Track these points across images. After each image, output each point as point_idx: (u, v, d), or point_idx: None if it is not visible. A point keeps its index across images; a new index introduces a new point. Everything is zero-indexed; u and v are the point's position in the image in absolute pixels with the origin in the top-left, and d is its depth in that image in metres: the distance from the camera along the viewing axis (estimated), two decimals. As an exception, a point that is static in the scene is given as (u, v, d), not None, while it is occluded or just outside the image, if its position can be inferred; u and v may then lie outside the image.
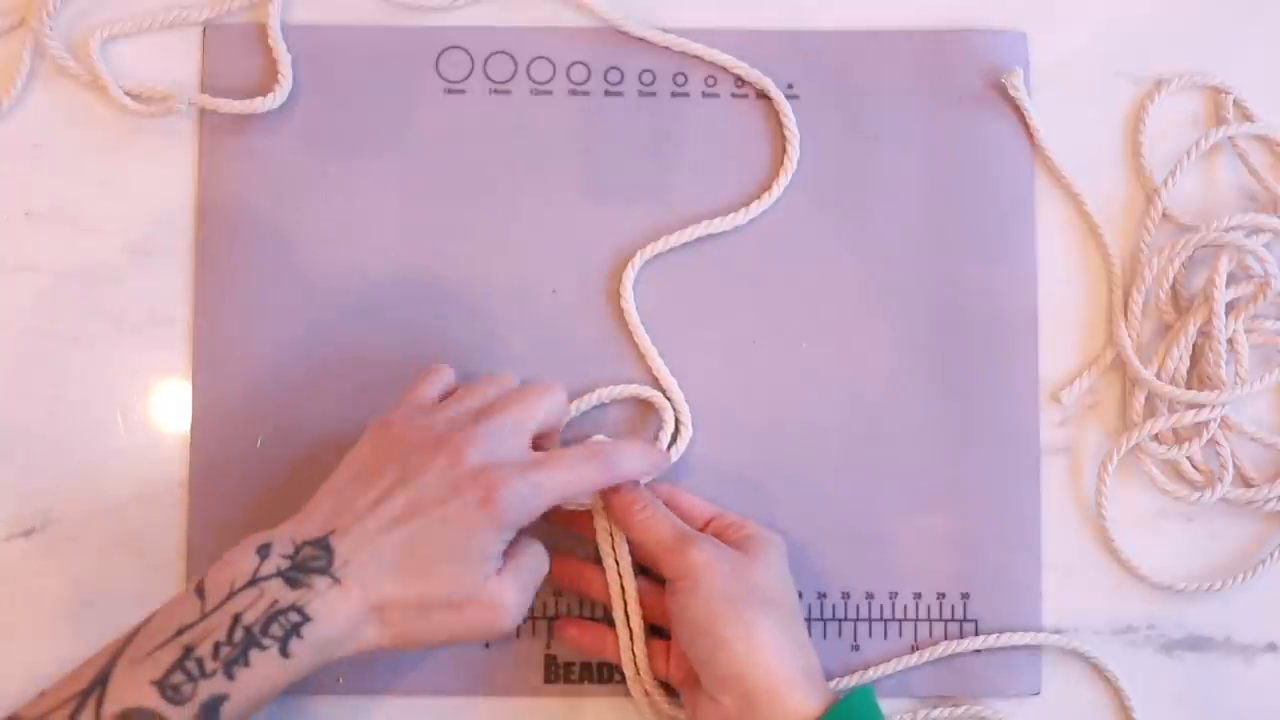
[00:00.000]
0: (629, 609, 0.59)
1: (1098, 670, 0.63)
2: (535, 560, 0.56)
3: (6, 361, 0.62)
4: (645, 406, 0.62)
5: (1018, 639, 0.61)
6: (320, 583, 0.51)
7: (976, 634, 0.62)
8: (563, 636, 0.61)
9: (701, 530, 0.59)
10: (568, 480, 0.54)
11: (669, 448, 0.62)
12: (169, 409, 0.62)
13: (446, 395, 0.58)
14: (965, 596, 0.62)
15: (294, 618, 0.50)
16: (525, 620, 0.61)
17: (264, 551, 0.51)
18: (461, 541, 0.52)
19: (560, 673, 0.61)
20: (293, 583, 0.51)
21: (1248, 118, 0.65)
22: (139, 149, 0.63)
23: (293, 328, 0.62)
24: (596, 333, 0.63)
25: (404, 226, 0.63)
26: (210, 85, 0.64)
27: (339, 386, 0.62)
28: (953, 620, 0.62)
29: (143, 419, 0.62)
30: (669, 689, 0.60)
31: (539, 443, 0.57)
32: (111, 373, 0.62)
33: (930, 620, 0.62)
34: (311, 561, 0.51)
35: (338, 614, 0.51)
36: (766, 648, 0.54)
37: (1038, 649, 0.62)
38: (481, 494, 0.52)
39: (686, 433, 0.62)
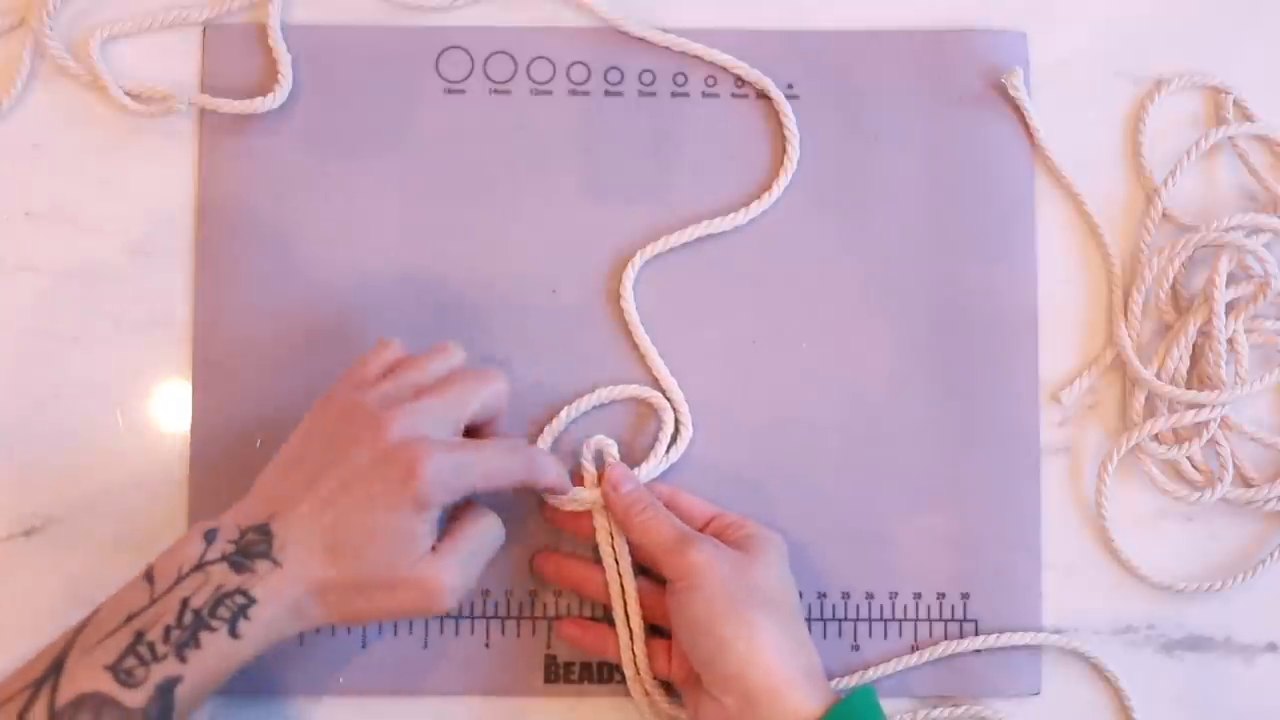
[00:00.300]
0: (629, 609, 0.59)
1: (1098, 670, 0.63)
2: (483, 534, 0.56)
3: (6, 361, 0.62)
4: (645, 406, 0.62)
5: (1017, 639, 0.61)
6: (262, 566, 0.52)
7: (977, 634, 0.62)
8: (563, 636, 0.61)
9: (702, 530, 0.59)
10: (492, 467, 0.54)
11: (669, 448, 0.62)
12: (169, 409, 0.62)
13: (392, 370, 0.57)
14: (965, 596, 0.62)
15: (239, 600, 0.51)
16: (525, 620, 0.61)
17: (210, 536, 0.52)
18: (386, 522, 0.52)
19: (560, 673, 0.61)
20: (237, 567, 0.51)
21: (1248, 118, 0.65)
22: (139, 149, 0.63)
23: (293, 328, 0.62)
24: (596, 333, 0.63)
25: (404, 226, 0.63)
26: (210, 85, 0.64)
27: (339, 386, 0.62)
28: (953, 620, 0.62)
29: (143, 419, 0.62)
30: (669, 688, 0.60)
31: (478, 430, 0.57)
32: (111, 373, 0.62)
33: (930, 620, 0.62)
34: (254, 547, 0.52)
35: (281, 596, 0.52)
36: (767, 648, 0.54)
37: (1038, 649, 0.62)
38: (403, 472, 0.52)
39: (686, 433, 0.62)
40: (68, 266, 0.63)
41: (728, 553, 0.57)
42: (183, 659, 0.50)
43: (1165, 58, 0.65)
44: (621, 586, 0.59)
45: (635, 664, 0.59)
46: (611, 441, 0.61)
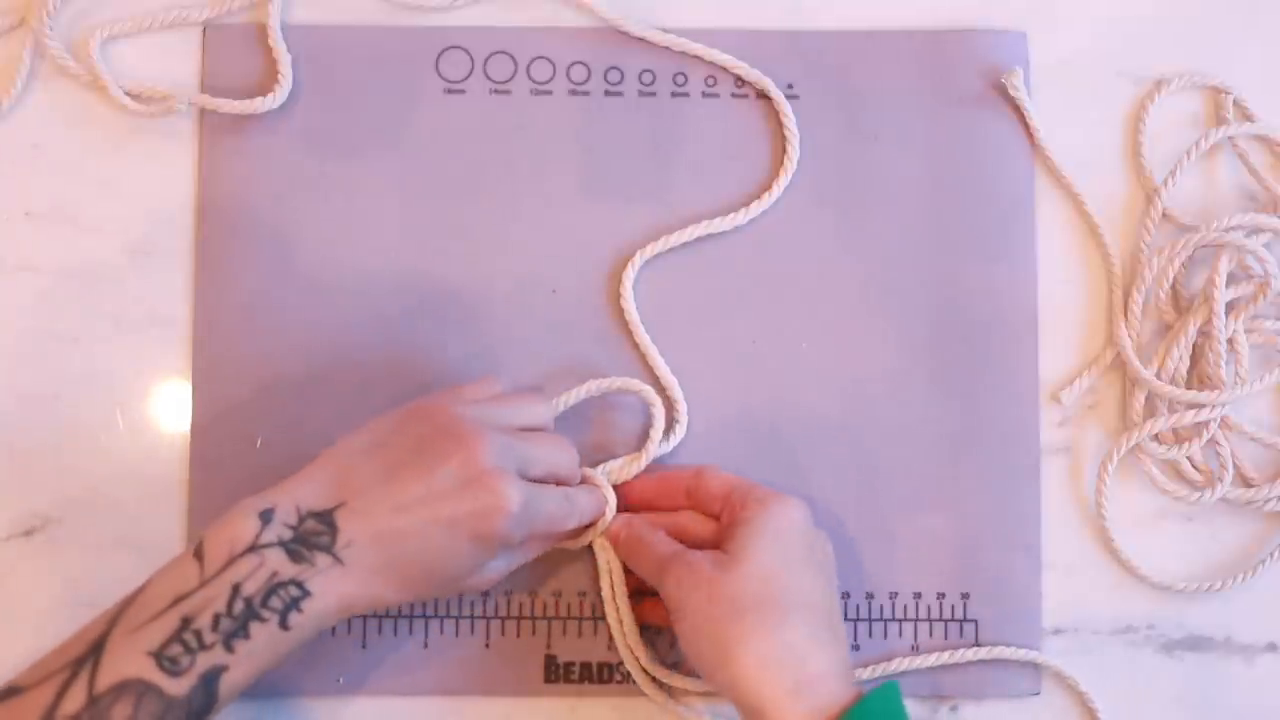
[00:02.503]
0: (618, 602, 0.60)
1: (1098, 670, 0.63)
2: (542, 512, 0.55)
3: (6, 361, 0.62)
4: (642, 407, 0.62)
5: (1021, 655, 0.61)
6: (322, 560, 0.50)
7: (976, 634, 0.62)
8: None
9: (719, 508, 0.58)
10: (552, 511, 0.55)
11: (660, 440, 0.61)
12: (169, 409, 0.62)
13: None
14: (965, 596, 0.62)
15: (294, 592, 0.49)
16: (525, 620, 0.61)
17: (266, 516, 0.50)
18: (463, 551, 0.52)
19: (560, 673, 0.61)
20: (295, 556, 0.50)
21: (1248, 118, 0.65)
22: (139, 149, 0.63)
23: (293, 328, 0.62)
24: (596, 333, 0.63)
25: (404, 226, 0.63)
26: (210, 85, 0.64)
27: (339, 386, 0.62)
28: (953, 620, 0.62)
29: (143, 419, 0.62)
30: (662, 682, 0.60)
31: None
32: (111, 373, 0.62)
33: (930, 620, 0.62)
34: (315, 537, 0.50)
35: (338, 592, 0.50)
36: (747, 668, 0.52)
37: (1037, 649, 0.62)
38: (489, 504, 0.51)
39: (680, 429, 0.62)
40: (68, 266, 0.63)
41: (702, 572, 0.54)
42: (230, 649, 0.48)
43: (1165, 58, 0.65)
44: (611, 582, 0.60)
45: (633, 654, 0.60)
46: (601, 477, 0.60)
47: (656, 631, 0.61)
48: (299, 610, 0.49)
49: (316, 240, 0.63)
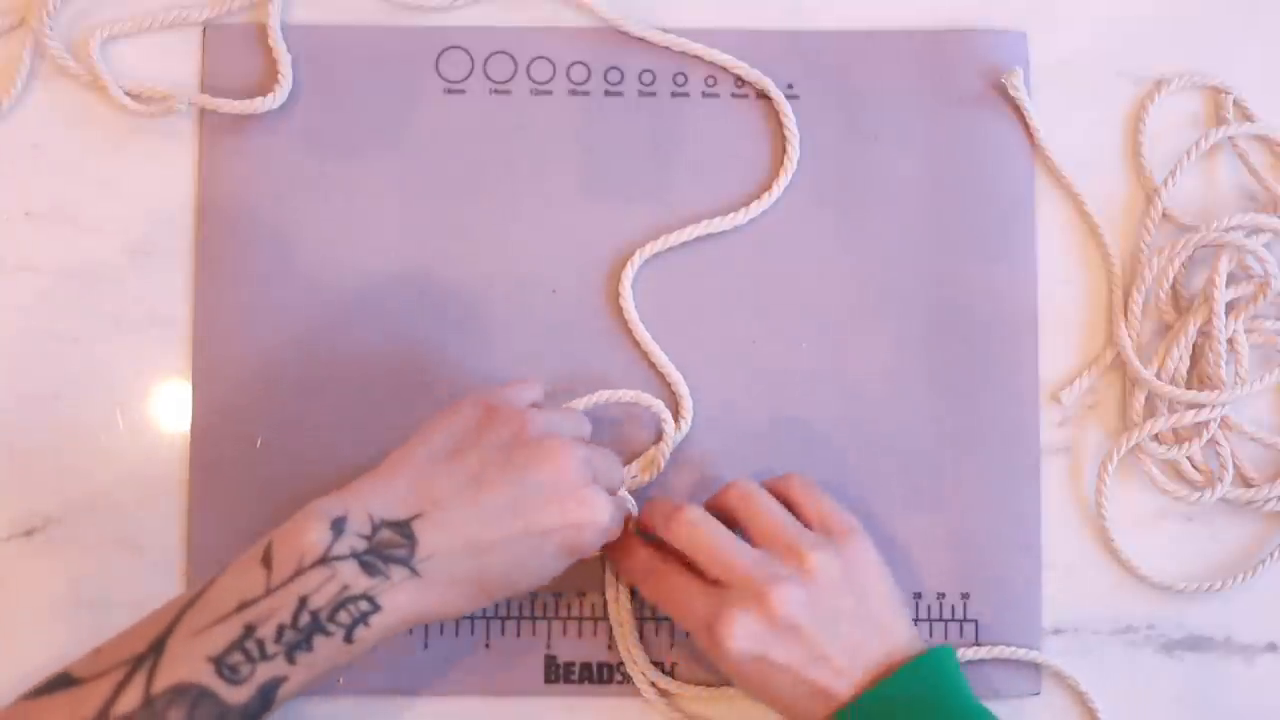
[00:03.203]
0: (621, 603, 0.60)
1: (1098, 670, 0.62)
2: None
3: (6, 361, 0.62)
4: (640, 406, 0.62)
5: (1021, 654, 0.61)
6: (398, 574, 0.48)
7: (976, 634, 0.62)
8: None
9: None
10: (616, 525, 0.54)
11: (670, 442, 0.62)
12: (169, 409, 0.62)
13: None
14: (965, 596, 0.62)
15: (364, 606, 0.48)
16: (525, 620, 0.61)
17: (339, 526, 0.49)
18: (552, 567, 0.52)
19: (560, 673, 0.61)
20: (369, 569, 0.48)
21: (1248, 118, 0.65)
22: (139, 149, 0.63)
23: (293, 328, 0.62)
24: (596, 332, 0.63)
25: (404, 226, 0.63)
26: (210, 85, 0.64)
27: (339, 386, 0.62)
28: (953, 620, 0.62)
29: (143, 419, 0.62)
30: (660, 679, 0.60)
31: None
32: (111, 373, 0.62)
33: (930, 620, 0.62)
34: (391, 549, 0.49)
35: (411, 606, 0.49)
36: (779, 695, 0.54)
37: (1037, 649, 0.62)
38: (582, 516, 0.51)
39: (685, 425, 0.62)
40: (68, 266, 0.63)
41: (749, 616, 0.53)
42: (292, 660, 0.47)
43: (1165, 58, 0.65)
44: (616, 587, 0.60)
45: (632, 656, 0.60)
46: (631, 501, 0.60)
47: (656, 630, 0.61)
48: (366, 625, 0.48)
49: (316, 240, 0.63)
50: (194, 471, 0.62)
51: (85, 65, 0.63)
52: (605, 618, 0.61)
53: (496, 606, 0.61)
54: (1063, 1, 0.66)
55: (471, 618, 0.61)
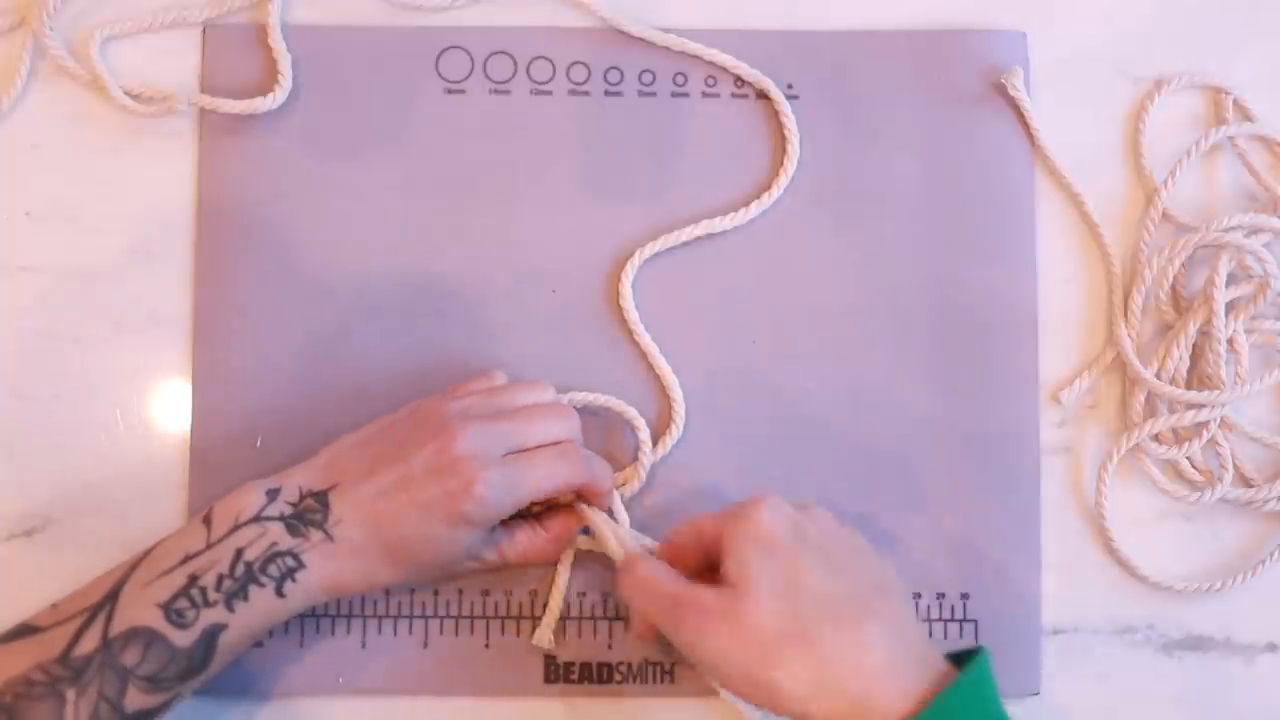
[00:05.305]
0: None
1: (1098, 670, 0.62)
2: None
3: (6, 361, 0.62)
4: (638, 398, 0.62)
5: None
6: (315, 535, 0.54)
7: (976, 634, 0.62)
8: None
9: (691, 556, 0.56)
10: (542, 475, 0.56)
11: (660, 441, 0.62)
12: (169, 409, 0.62)
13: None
14: (965, 597, 0.62)
15: (290, 562, 0.54)
16: (525, 620, 0.61)
17: (271, 494, 0.55)
18: (440, 533, 0.55)
19: (560, 673, 0.61)
20: (292, 530, 0.54)
21: (1248, 118, 0.65)
22: (139, 149, 0.63)
23: (293, 328, 0.62)
24: (596, 332, 0.63)
25: (404, 226, 0.63)
26: (210, 85, 0.64)
27: (339, 386, 0.62)
28: (953, 620, 0.62)
29: (143, 419, 0.62)
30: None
31: None
32: (111, 373, 0.62)
33: (930, 620, 0.62)
34: (310, 514, 0.55)
35: (327, 567, 0.54)
36: (794, 704, 0.49)
37: (1037, 649, 0.62)
38: (458, 487, 0.54)
39: (677, 429, 0.62)
40: (68, 266, 0.63)
41: (714, 611, 0.51)
42: (230, 609, 0.53)
43: (1165, 58, 0.65)
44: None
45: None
46: (634, 534, 0.60)
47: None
48: (293, 580, 0.54)
49: (316, 240, 0.63)
50: (194, 472, 0.62)
51: (85, 65, 0.63)
52: (605, 617, 0.61)
53: (496, 606, 0.61)
54: (1062, 1, 0.66)
55: (472, 617, 0.61)
